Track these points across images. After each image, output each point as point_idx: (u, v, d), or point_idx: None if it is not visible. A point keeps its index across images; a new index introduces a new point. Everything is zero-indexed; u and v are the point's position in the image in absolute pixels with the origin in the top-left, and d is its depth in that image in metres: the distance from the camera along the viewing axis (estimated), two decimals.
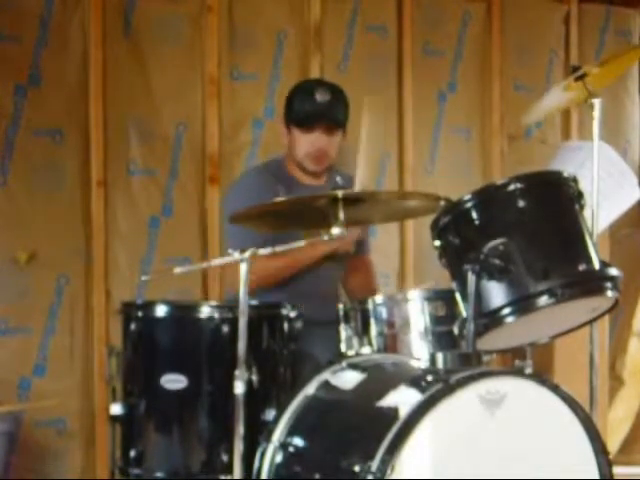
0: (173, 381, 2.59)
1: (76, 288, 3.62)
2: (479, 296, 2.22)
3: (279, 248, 2.43)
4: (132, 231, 3.70)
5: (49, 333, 3.58)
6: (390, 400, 2.09)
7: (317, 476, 2.16)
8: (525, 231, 2.27)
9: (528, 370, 2.18)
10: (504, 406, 2.06)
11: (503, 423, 2.07)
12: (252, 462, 2.33)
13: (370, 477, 1.95)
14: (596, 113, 2.83)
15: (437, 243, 2.38)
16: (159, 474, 2.62)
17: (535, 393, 2.12)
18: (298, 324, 2.72)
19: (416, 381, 2.09)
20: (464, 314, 2.27)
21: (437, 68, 4.21)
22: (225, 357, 2.51)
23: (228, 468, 2.43)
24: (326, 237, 2.41)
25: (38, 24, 3.58)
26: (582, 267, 2.26)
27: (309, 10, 3.95)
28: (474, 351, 2.20)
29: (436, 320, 2.63)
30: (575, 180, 2.38)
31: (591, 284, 2.29)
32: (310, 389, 2.39)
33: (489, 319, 2.23)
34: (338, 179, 2.51)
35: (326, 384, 2.39)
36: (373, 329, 2.71)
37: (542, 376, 2.15)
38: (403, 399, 2.05)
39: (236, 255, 2.36)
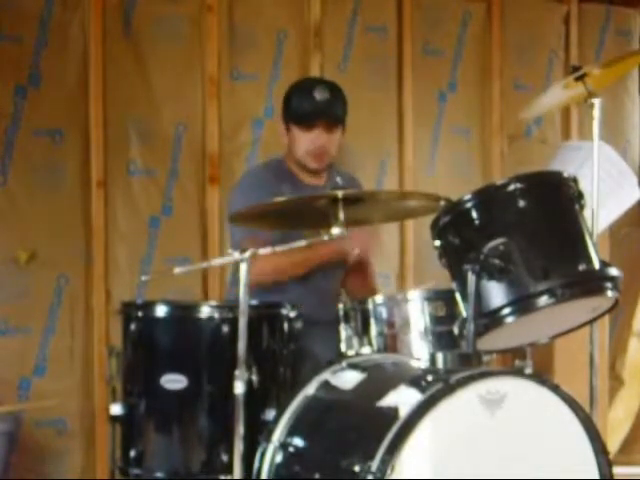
0: (173, 381, 2.58)
1: (76, 288, 3.62)
2: (479, 296, 2.22)
3: (279, 248, 2.43)
4: (132, 231, 3.71)
5: (49, 333, 3.58)
6: (390, 400, 2.09)
7: (317, 476, 2.16)
8: (525, 231, 2.27)
9: (528, 370, 2.18)
10: (504, 406, 2.06)
11: (503, 423, 2.07)
12: (252, 462, 2.33)
13: (370, 477, 1.95)
14: (596, 113, 2.84)
15: (437, 243, 2.38)
16: (159, 474, 2.62)
17: (535, 393, 2.12)
18: (298, 324, 2.72)
19: (416, 381, 2.09)
20: (464, 314, 2.27)
21: (437, 68, 4.21)
22: (225, 357, 2.51)
23: (228, 468, 2.43)
24: (326, 237, 2.41)
25: (38, 24, 3.58)
26: (582, 267, 2.26)
27: (309, 10, 3.95)
28: (474, 351, 2.20)
29: (436, 320, 2.63)
30: (575, 180, 2.38)
31: (591, 284, 2.29)
32: (310, 389, 2.39)
33: (489, 319, 2.23)
34: (338, 179, 2.51)
35: (326, 384, 2.39)
36: (373, 329, 2.71)
37: (542, 376, 2.15)
38: (403, 399, 2.05)
39: (236, 255, 2.36)
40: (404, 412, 2.01)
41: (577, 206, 2.35)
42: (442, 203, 2.48)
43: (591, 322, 2.56)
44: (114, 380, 2.70)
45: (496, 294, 2.23)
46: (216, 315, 2.62)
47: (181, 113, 3.78)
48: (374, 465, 1.96)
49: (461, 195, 2.33)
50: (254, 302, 2.55)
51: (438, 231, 2.37)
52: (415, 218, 3.64)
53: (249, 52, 3.87)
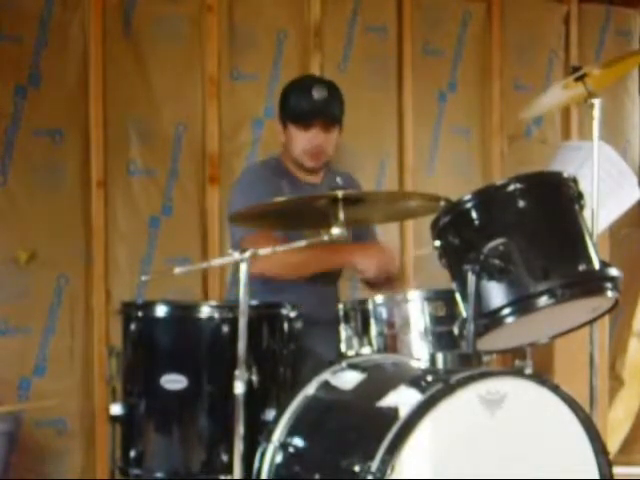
0: (173, 381, 2.58)
1: (76, 288, 3.62)
2: (479, 296, 2.22)
3: (279, 248, 2.43)
4: (132, 231, 3.71)
5: (49, 333, 3.58)
6: (390, 400, 2.09)
7: (317, 476, 2.16)
8: (525, 231, 2.27)
9: (528, 370, 2.18)
10: (504, 406, 2.06)
11: (503, 423, 2.06)
12: (252, 462, 2.33)
13: (370, 477, 1.95)
14: (596, 113, 2.83)
15: (437, 243, 2.38)
16: (159, 474, 2.62)
17: (535, 393, 2.12)
18: (298, 324, 2.72)
19: (416, 381, 2.09)
20: (464, 314, 2.27)
21: (437, 68, 4.21)
22: (225, 357, 2.51)
23: (228, 468, 2.42)
24: (326, 237, 2.41)
25: (38, 24, 3.59)
26: (582, 267, 2.26)
27: (309, 10, 3.96)
28: (474, 351, 2.20)
29: (436, 320, 2.63)
30: (575, 180, 2.38)
31: (591, 284, 2.29)
32: (310, 389, 2.39)
33: (489, 319, 2.22)
34: (338, 179, 2.51)
35: (326, 384, 2.39)
36: (373, 329, 2.71)
37: (542, 376, 2.15)
38: (403, 399, 2.05)
39: (236, 255, 2.36)
40: (404, 412, 2.01)
41: (577, 206, 2.35)
42: (442, 203, 2.47)
43: (591, 322, 2.55)
44: (114, 380, 2.70)
45: (496, 294, 2.22)
46: (216, 315, 2.62)
47: (181, 113, 3.78)
48: (374, 465, 1.96)
49: (461, 195, 2.33)
50: (254, 302, 2.55)
51: (438, 231, 2.37)
52: (415, 218, 3.64)
53: (249, 52, 3.87)
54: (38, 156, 3.59)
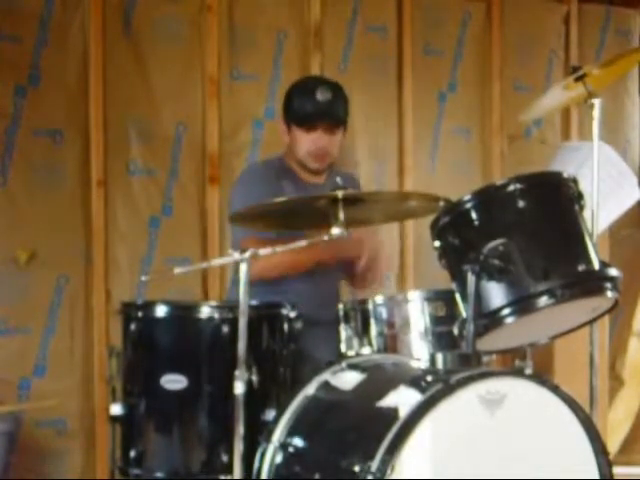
0: (173, 381, 2.58)
1: (76, 288, 3.62)
2: (479, 296, 2.22)
3: (279, 248, 2.43)
4: (132, 231, 3.71)
5: (49, 333, 3.58)
6: (390, 400, 2.09)
7: (317, 476, 2.16)
8: (525, 231, 2.27)
9: (528, 370, 2.19)
10: (504, 406, 2.06)
11: (503, 423, 2.07)
12: (252, 462, 2.33)
13: (370, 477, 1.95)
14: (596, 113, 2.84)
15: (437, 243, 2.38)
16: (159, 474, 2.62)
17: (535, 393, 2.12)
18: (298, 324, 2.72)
19: (416, 381, 2.09)
20: (464, 314, 2.27)
21: (437, 68, 4.21)
22: (225, 357, 2.51)
23: (228, 468, 2.43)
24: (326, 237, 2.41)
25: (38, 24, 3.58)
26: (582, 267, 2.26)
27: (309, 10, 3.96)
28: (474, 351, 2.20)
29: (436, 320, 2.63)
30: (575, 180, 2.38)
31: (591, 284, 2.29)
32: (310, 389, 2.39)
33: (489, 319, 2.23)
34: (338, 179, 2.51)
35: (326, 384, 2.39)
36: (373, 329, 2.71)
37: (542, 376, 2.15)
38: (403, 399, 2.05)
39: (236, 255, 2.36)
40: (404, 412, 2.01)
41: (577, 206, 2.35)
42: (442, 203, 2.47)
43: (591, 322, 2.55)
44: (114, 380, 2.70)
45: (496, 294, 2.22)
46: (216, 315, 2.62)
47: (181, 113, 3.78)
48: (374, 465, 1.96)
49: (461, 195, 2.33)
50: (254, 302, 2.55)
51: (438, 231, 2.37)
52: (415, 218, 3.64)
53: (249, 52, 3.87)
54: (38, 156, 3.59)
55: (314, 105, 3.06)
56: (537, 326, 2.36)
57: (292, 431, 2.32)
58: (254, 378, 2.51)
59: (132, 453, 2.65)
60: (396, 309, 2.70)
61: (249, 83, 3.88)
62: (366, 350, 2.68)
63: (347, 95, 3.16)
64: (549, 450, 2.11)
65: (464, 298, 2.27)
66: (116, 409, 2.67)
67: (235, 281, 2.91)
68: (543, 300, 2.19)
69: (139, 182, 3.73)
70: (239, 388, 2.32)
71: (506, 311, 2.21)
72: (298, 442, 2.30)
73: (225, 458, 2.54)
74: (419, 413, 1.99)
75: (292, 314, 2.70)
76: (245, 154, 3.86)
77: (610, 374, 4.21)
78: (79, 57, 3.63)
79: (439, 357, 2.21)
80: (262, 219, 2.68)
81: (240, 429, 2.31)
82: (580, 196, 2.37)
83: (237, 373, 2.32)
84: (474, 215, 2.30)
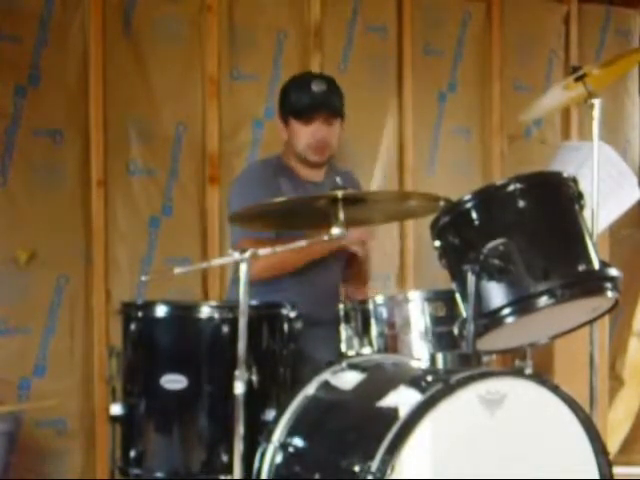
0: (173, 381, 2.58)
1: (76, 288, 3.62)
2: (479, 296, 2.22)
3: (279, 248, 2.43)
4: (132, 231, 3.70)
5: (49, 333, 3.58)
6: (390, 400, 2.09)
7: (317, 476, 2.16)
8: (525, 231, 2.27)
9: (528, 370, 2.18)
10: (504, 406, 2.06)
11: (503, 423, 2.07)
12: (252, 462, 2.33)
13: (370, 477, 1.95)
14: (596, 113, 2.84)
15: (437, 243, 2.38)
16: (159, 474, 2.62)
17: (535, 393, 2.12)
18: (298, 324, 2.72)
19: (416, 381, 2.09)
20: (464, 314, 2.27)
21: (437, 68, 4.21)
22: (225, 357, 2.51)
23: (228, 468, 2.43)
24: (326, 237, 2.41)
25: (38, 24, 3.58)
26: (582, 267, 2.26)
27: (309, 10, 3.95)
28: (474, 351, 2.20)
29: (436, 320, 2.63)
30: (575, 180, 2.38)
31: (591, 284, 2.29)
32: (310, 389, 2.39)
33: (489, 319, 2.23)
34: (338, 179, 2.51)
35: (326, 384, 2.39)
36: (374, 329, 2.71)
37: (542, 376, 2.15)
38: (403, 399, 2.05)
39: (236, 255, 2.36)
40: (404, 412, 2.01)
41: (577, 206, 2.35)
42: (442, 203, 2.47)
43: (591, 322, 2.56)
44: (114, 380, 2.70)
45: (496, 294, 2.23)
46: (216, 315, 2.62)
47: (181, 113, 3.78)
48: (374, 465, 1.96)
49: (461, 195, 2.33)
50: (254, 302, 2.55)
51: (438, 231, 2.37)
52: (415, 218, 3.64)
53: (249, 52, 3.87)
54: (38, 156, 3.59)
55: (310, 96, 3.09)
56: (537, 326, 2.36)
57: (292, 431, 2.32)
58: (254, 378, 2.51)
59: (132, 453, 2.65)
60: (396, 309, 2.70)
61: (249, 83, 3.88)
62: (366, 350, 2.68)
63: (342, 91, 3.18)
64: (549, 450, 2.11)
65: (464, 298, 2.27)
66: (116, 409, 2.67)
67: (234, 281, 2.92)
68: (543, 300, 2.19)
69: (139, 182, 3.73)
70: (239, 388, 2.32)
71: (506, 311, 2.21)
72: (298, 442, 2.30)
73: (225, 458, 2.54)
74: (419, 413, 1.99)
75: (292, 314, 2.70)
76: (245, 154, 3.86)
77: (610, 374, 4.21)
78: (79, 57, 3.63)
79: (439, 357, 2.21)
80: (261, 219, 2.68)
81: (240, 429, 2.31)
82: (580, 196, 2.37)
83: (237, 373, 2.32)
84: (474, 215, 2.30)
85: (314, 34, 3.95)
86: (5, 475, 3.29)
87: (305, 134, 3.11)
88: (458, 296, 2.33)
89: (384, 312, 2.71)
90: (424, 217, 2.63)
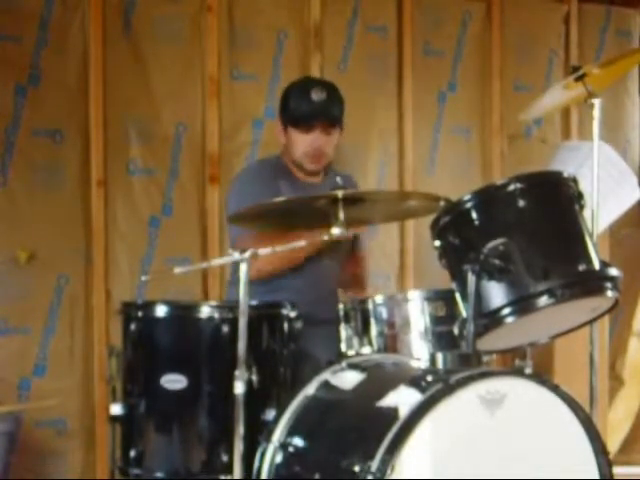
0: (173, 381, 2.58)
1: (76, 288, 3.62)
2: (479, 296, 2.21)
3: (279, 248, 2.43)
4: (132, 231, 3.71)
5: (49, 333, 3.58)
6: (390, 400, 2.09)
7: (317, 476, 2.16)
8: (525, 231, 2.27)
9: (528, 370, 2.18)
10: (504, 406, 2.06)
11: (503, 423, 2.06)
12: (252, 462, 2.33)
13: (370, 477, 1.95)
14: (596, 113, 2.84)
15: (437, 243, 2.38)
16: (159, 474, 2.62)
17: (535, 393, 2.12)
18: (298, 324, 2.72)
19: (416, 381, 2.09)
20: (464, 314, 2.27)
21: (437, 68, 4.21)
22: (225, 357, 2.51)
23: (228, 468, 2.42)
24: (326, 237, 2.41)
25: (38, 24, 3.58)
26: (582, 267, 2.26)
27: (309, 10, 3.96)
28: (474, 351, 2.20)
29: (436, 320, 2.63)
30: (575, 180, 2.38)
31: (591, 284, 2.29)
32: (310, 389, 2.39)
33: (489, 319, 2.22)
34: (338, 179, 2.51)
35: (326, 384, 2.39)
36: (373, 329, 2.71)
37: (542, 376, 2.15)
38: (403, 399, 2.05)
39: (236, 255, 2.36)
40: (404, 412, 2.01)
41: (577, 206, 2.35)
42: (442, 203, 2.47)
43: (591, 322, 2.55)
44: (114, 380, 2.70)
45: (496, 294, 2.22)
46: (216, 315, 2.62)
47: (181, 113, 3.78)
48: (374, 465, 1.96)
49: (461, 195, 2.33)
50: (254, 302, 2.55)
51: (438, 231, 2.37)
52: (415, 218, 3.64)
53: (249, 52, 3.87)
54: (38, 156, 3.59)
55: (310, 106, 3.07)
56: (537, 326, 2.36)
57: (292, 431, 2.32)
58: (254, 378, 2.51)
59: (132, 453, 2.65)
60: (396, 309, 2.70)
61: (249, 83, 3.88)
62: (366, 350, 2.68)
63: (342, 95, 3.16)
64: (549, 450, 2.11)
65: (464, 298, 2.27)
66: (116, 409, 2.66)
67: (233, 281, 2.91)
68: (543, 300, 2.19)
69: (139, 182, 3.73)
70: (239, 388, 2.31)
71: (506, 311, 2.21)
72: (298, 442, 2.29)
73: (225, 458, 2.54)
74: (419, 413, 1.99)
75: (292, 314, 2.70)
76: (245, 154, 3.86)
77: (610, 374, 4.21)
78: (79, 57, 3.64)
79: (439, 357, 2.21)
80: (261, 219, 2.67)
81: (240, 429, 2.31)
82: (580, 196, 2.37)
83: (237, 373, 2.32)
84: (474, 215, 2.30)
85: (314, 34, 3.95)
86: (5, 475, 3.29)
87: (303, 142, 3.10)
88: (458, 296, 2.33)
89: (384, 312, 2.71)
90: (424, 217, 2.62)
